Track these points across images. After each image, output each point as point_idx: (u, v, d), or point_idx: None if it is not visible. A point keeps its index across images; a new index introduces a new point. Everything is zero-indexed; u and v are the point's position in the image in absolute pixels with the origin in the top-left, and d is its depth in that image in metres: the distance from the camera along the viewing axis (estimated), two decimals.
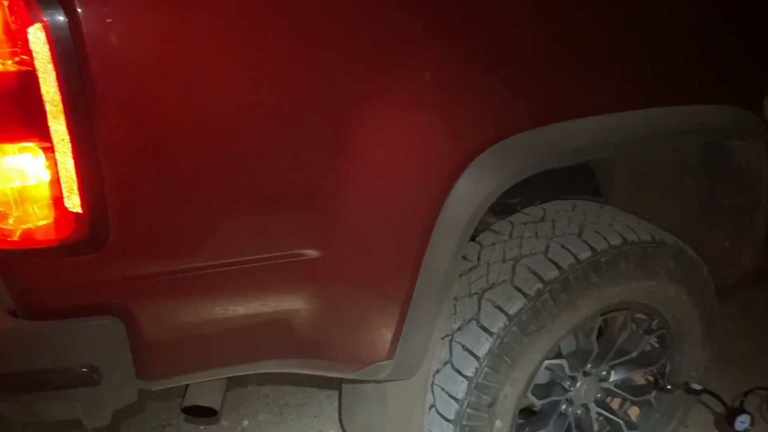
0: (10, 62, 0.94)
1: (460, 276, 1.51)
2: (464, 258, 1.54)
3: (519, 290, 1.39)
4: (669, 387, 1.78)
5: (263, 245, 1.17)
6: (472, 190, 1.22)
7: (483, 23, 1.19)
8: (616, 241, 1.45)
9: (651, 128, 1.41)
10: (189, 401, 1.47)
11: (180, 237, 1.10)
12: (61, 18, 0.91)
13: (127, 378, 1.15)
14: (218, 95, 1.05)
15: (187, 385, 1.52)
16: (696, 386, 1.78)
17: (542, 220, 1.55)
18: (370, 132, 1.14)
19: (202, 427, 2.17)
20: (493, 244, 1.53)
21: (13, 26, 0.93)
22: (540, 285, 1.39)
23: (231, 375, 1.35)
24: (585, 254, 1.42)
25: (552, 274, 1.40)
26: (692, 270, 1.60)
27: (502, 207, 1.68)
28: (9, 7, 0.92)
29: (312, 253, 1.20)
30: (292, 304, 1.24)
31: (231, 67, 1.04)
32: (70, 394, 1.11)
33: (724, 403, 1.77)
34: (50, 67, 0.92)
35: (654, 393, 1.78)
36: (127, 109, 1.00)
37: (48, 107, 0.94)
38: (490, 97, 1.23)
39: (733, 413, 1.74)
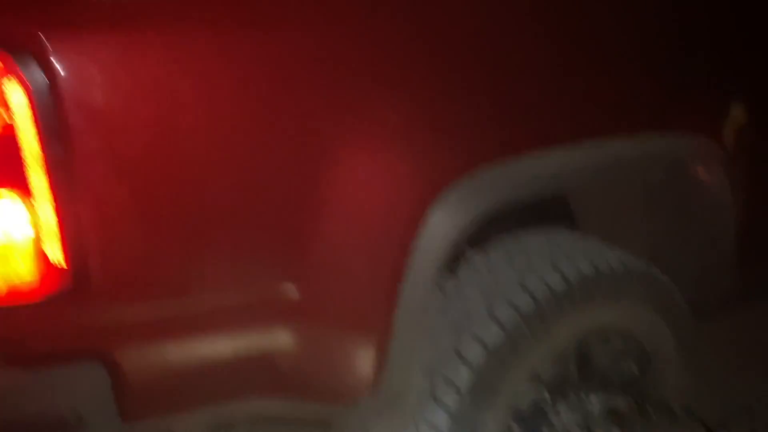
0: None
1: (438, 308, 1.53)
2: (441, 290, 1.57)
3: (496, 321, 1.43)
4: (651, 412, 1.80)
5: (243, 288, 1.21)
6: (444, 228, 1.27)
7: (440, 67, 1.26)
8: (588, 270, 1.49)
9: (615, 157, 1.46)
10: None
11: (160, 285, 1.14)
12: (39, 77, 0.96)
13: (109, 421, 1.16)
14: (198, 143, 1.10)
15: None
16: (677, 410, 1.80)
17: (516, 250, 1.59)
18: (341, 173, 1.19)
19: None
20: (469, 275, 1.56)
21: None
22: (516, 316, 1.42)
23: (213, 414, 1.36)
24: (558, 284, 1.46)
25: (527, 304, 1.43)
26: (665, 294, 1.64)
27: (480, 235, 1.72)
28: None
29: (290, 292, 1.23)
30: (272, 342, 1.27)
31: (210, 117, 1.09)
32: None
33: (707, 428, 1.79)
34: (29, 123, 0.96)
35: (637, 419, 1.79)
36: (108, 161, 1.04)
37: (27, 161, 0.98)
38: (456, 132, 1.28)
39: None
